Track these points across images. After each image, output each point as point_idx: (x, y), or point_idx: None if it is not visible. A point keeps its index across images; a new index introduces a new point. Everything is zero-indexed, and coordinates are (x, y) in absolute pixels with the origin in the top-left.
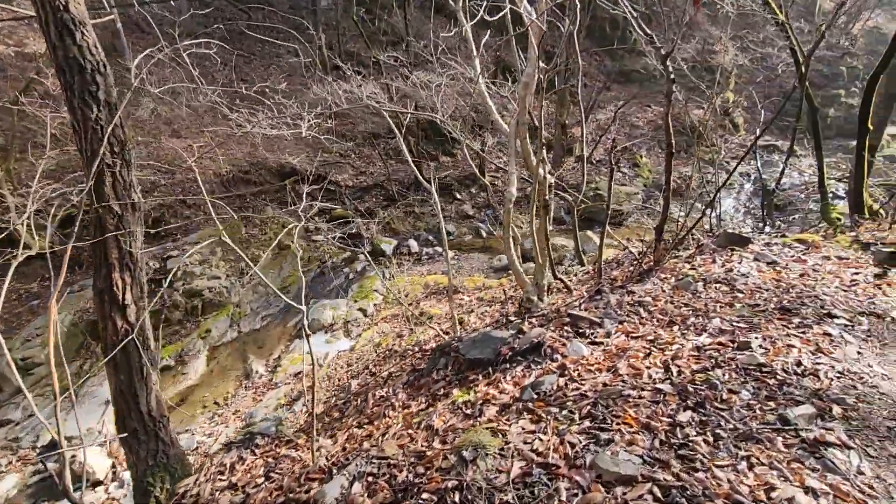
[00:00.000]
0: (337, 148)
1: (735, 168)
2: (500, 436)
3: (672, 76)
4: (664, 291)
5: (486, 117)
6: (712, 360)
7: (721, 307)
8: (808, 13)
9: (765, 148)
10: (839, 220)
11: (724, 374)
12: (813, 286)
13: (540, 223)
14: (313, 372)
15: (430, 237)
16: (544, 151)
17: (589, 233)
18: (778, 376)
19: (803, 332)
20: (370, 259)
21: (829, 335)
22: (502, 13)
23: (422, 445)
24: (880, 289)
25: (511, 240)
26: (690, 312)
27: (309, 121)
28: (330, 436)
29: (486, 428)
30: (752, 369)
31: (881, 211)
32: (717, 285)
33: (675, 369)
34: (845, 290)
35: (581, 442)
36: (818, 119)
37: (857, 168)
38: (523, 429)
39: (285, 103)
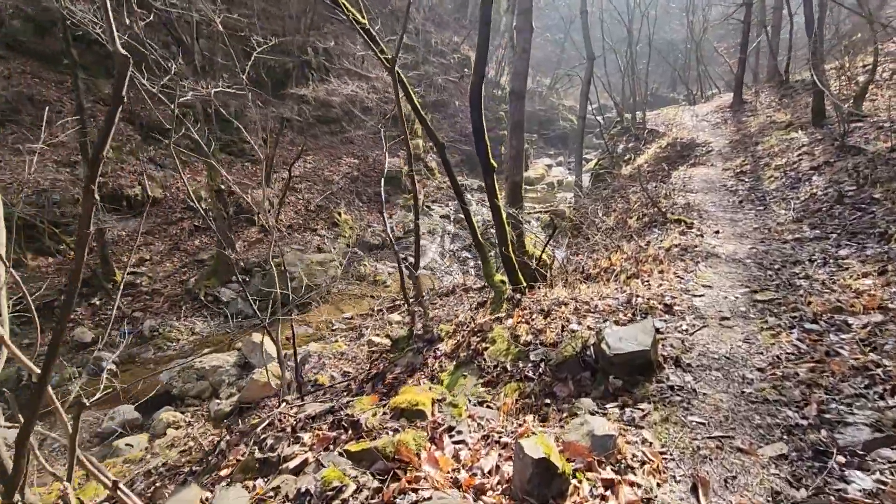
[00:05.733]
0: None
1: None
2: None
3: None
4: None
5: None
6: None
7: None
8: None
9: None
10: (504, 283)
11: None
12: None
13: None
14: None
15: None
16: None
17: (254, 337)
18: None
19: None
20: None
21: None
22: None
23: None
24: None
25: None
26: None
27: None
28: None
29: None
30: None
31: (545, 256)
32: None
33: None
34: None
35: None
36: (447, 157)
37: (495, 221)
38: None
39: None
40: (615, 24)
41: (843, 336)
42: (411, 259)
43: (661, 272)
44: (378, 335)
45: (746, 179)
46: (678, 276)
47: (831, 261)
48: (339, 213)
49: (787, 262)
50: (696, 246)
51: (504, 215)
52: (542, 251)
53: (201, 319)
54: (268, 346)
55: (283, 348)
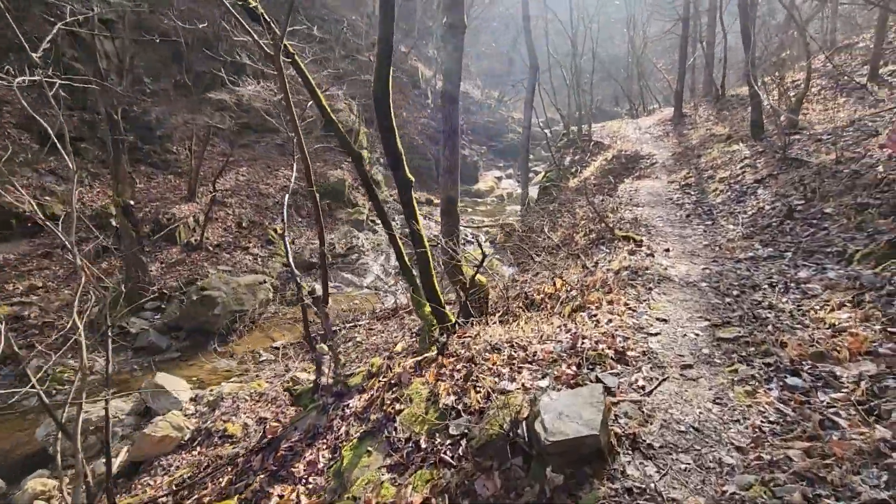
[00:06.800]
0: None
1: None
2: None
3: None
4: None
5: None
6: None
7: None
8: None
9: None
10: (434, 316)
11: None
12: None
13: None
14: None
15: None
16: None
17: (157, 378)
18: None
19: None
20: None
21: None
22: None
23: None
24: None
25: None
26: None
27: None
28: None
29: None
30: None
31: (481, 279)
32: None
33: None
34: None
35: None
36: (364, 170)
37: (417, 253)
38: None
39: None
40: (560, 38)
41: (834, 396)
42: (369, 282)
43: (610, 302)
44: (306, 370)
45: (692, 192)
46: (629, 308)
47: (793, 285)
48: (275, 230)
49: (744, 286)
50: (646, 268)
51: (427, 243)
52: (473, 276)
53: (103, 356)
54: (173, 388)
55: (192, 390)
